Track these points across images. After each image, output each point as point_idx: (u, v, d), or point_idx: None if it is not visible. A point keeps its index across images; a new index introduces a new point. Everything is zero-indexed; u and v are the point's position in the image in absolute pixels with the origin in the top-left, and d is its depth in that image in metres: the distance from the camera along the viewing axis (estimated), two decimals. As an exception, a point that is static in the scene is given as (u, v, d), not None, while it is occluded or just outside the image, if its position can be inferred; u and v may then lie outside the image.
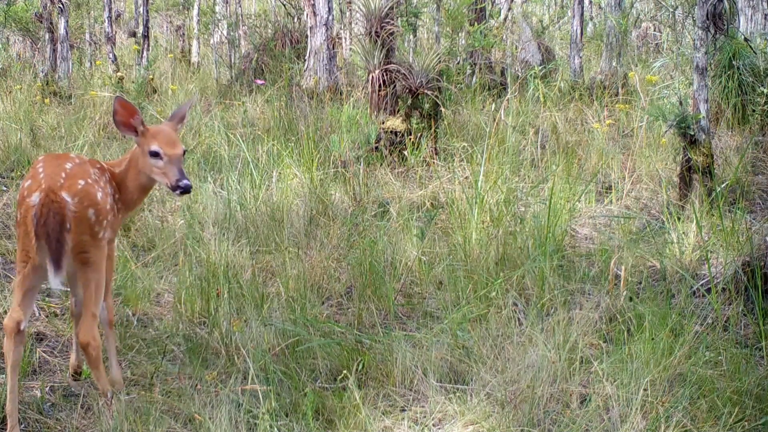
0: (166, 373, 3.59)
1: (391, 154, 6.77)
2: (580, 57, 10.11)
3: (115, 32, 13.20)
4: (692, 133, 5.50)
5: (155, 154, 3.31)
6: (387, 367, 3.49)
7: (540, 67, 8.64)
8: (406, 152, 6.72)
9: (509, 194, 5.37)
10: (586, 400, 3.23)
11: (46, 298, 4.37)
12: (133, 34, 15.43)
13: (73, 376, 3.59)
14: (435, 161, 6.64)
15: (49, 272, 2.93)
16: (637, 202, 5.96)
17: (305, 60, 10.37)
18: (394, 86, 6.97)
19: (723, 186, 5.39)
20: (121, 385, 3.45)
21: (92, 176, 3.18)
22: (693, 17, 6.49)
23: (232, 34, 12.72)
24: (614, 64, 9.63)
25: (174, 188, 3.29)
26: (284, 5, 14.23)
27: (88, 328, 3.11)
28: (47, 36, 10.59)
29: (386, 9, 6.95)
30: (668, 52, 11.47)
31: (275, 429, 3.03)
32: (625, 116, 7.67)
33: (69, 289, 3.49)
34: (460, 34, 9.11)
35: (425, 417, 3.21)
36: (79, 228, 3.05)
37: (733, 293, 4.07)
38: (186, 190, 3.29)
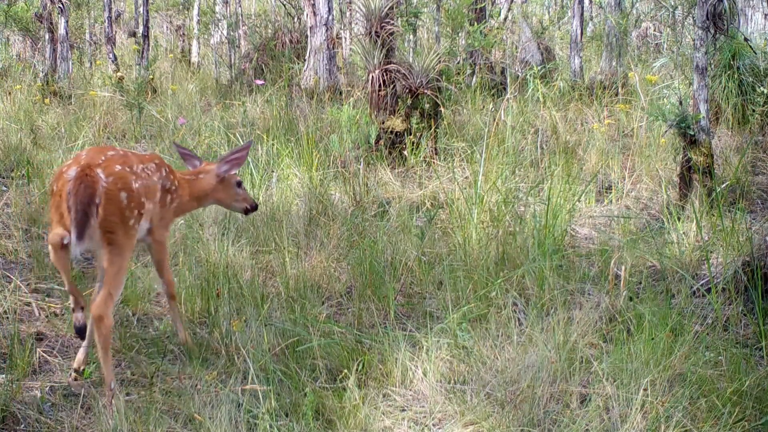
0: (166, 373, 3.59)
1: (391, 154, 6.77)
2: (580, 57, 10.11)
3: (115, 32, 13.20)
4: (692, 133, 5.50)
5: (239, 184, 4.05)
6: (387, 367, 3.49)
7: (540, 67, 8.64)
8: (406, 152, 6.72)
9: (509, 194, 5.37)
10: (586, 400, 3.23)
11: (46, 298, 4.37)
12: (133, 34, 15.43)
13: (74, 374, 3.59)
14: (435, 161, 6.64)
15: (72, 240, 3.11)
16: (637, 202, 5.96)
17: (305, 60, 10.37)
18: (394, 86, 6.97)
19: (723, 186, 5.39)
20: (191, 344, 3.74)
21: (133, 167, 3.38)
22: (693, 17, 6.48)
23: (232, 34, 12.71)
24: (614, 64, 9.63)
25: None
26: (284, 5, 14.23)
27: (101, 303, 3.23)
28: (47, 36, 10.58)
29: (386, 9, 6.95)
30: (668, 52, 11.47)
31: (275, 429, 3.03)
32: (625, 116, 7.67)
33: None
34: (460, 34, 9.11)
35: (425, 417, 3.21)
36: (109, 206, 3.22)
37: (733, 293, 4.07)
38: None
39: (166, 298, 3.87)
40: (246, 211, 4.13)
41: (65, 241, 3.20)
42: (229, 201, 4.05)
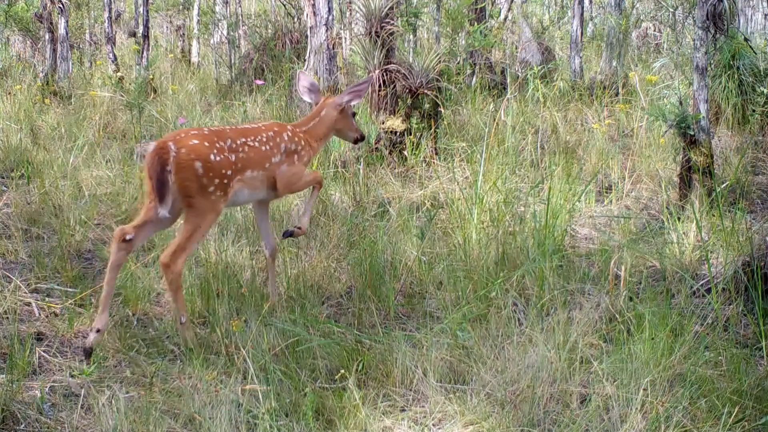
0: (166, 373, 3.59)
1: (391, 154, 6.77)
2: (580, 57, 10.11)
3: (115, 32, 13.19)
4: (692, 133, 5.50)
5: (354, 114, 4.52)
6: (387, 367, 3.49)
7: (540, 67, 8.64)
8: (406, 152, 6.72)
9: (509, 194, 5.37)
10: (586, 400, 3.23)
11: (46, 298, 4.37)
12: (133, 34, 15.41)
13: (87, 349, 3.68)
14: (435, 161, 6.64)
15: (156, 203, 3.68)
16: (637, 202, 5.96)
17: (305, 60, 10.35)
18: (394, 86, 6.96)
19: (723, 186, 5.39)
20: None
21: (216, 142, 3.82)
22: (693, 17, 6.49)
23: (232, 34, 12.71)
24: (614, 64, 9.63)
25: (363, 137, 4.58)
26: (284, 5, 14.22)
27: (170, 252, 3.70)
28: (47, 36, 10.58)
29: (386, 9, 6.95)
30: (668, 52, 11.46)
31: (275, 429, 3.03)
32: (625, 116, 7.67)
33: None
34: (460, 34, 9.11)
35: (425, 417, 3.21)
36: (182, 174, 3.70)
37: (733, 293, 4.07)
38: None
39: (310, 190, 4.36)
40: (356, 141, 4.57)
41: (128, 237, 3.70)
42: (346, 131, 4.49)
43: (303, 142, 4.25)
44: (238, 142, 3.95)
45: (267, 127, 4.16)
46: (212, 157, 3.79)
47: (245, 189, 4.00)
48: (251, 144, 4.01)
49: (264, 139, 4.07)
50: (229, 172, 3.85)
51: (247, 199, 4.12)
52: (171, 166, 3.70)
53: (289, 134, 4.20)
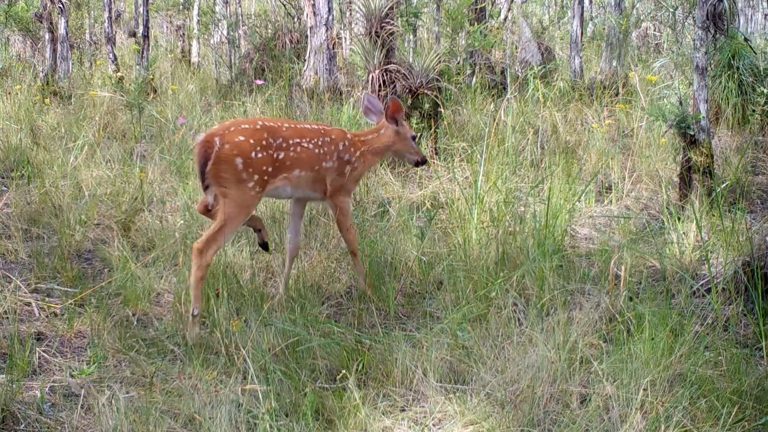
0: (166, 373, 3.59)
1: (391, 154, 6.76)
2: (580, 57, 10.11)
3: (115, 32, 13.19)
4: (692, 133, 5.50)
5: (414, 138, 4.58)
6: (387, 367, 3.49)
7: (540, 67, 8.64)
8: (406, 152, 6.71)
9: (509, 194, 5.37)
10: (586, 400, 3.23)
11: (46, 298, 4.37)
12: (133, 34, 15.41)
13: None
14: (435, 161, 6.64)
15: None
16: (637, 202, 5.96)
17: (305, 60, 10.36)
18: (394, 86, 6.96)
19: (723, 186, 5.39)
20: (369, 293, 4.27)
21: (264, 139, 3.96)
22: (693, 17, 6.49)
23: (232, 34, 12.71)
24: (614, 64, 9.63)
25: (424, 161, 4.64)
26: (284, 5, 14.22)
27: (203, 241, 3.86)
28: (47, 36, 10.58)
29: (386, 9, 6.95)
30: (668, 52, 11.47)
31: (275, 429, 3.03)
32: (625, 116, 7.67)
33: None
34: (460, 34, 9.11)
35: (425, 417, 3.21)
36: (220, 166, 3.86)
37: (733, 293, 4.07)
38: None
39: (349, 255, 4.44)
40: (417, 164, 4.65)
41: (210, 207, 3.97)
42: (404, 152, 4.58)
43: (358, 153, 4.35)
44: (291, 141, 4.07)
45: (326, 132, 4.27)
46: (253, 154, 3.92)
47: (288, 186, 4.15)
48: (305, 145, 4.12)
49: (320, 143, 4.18)
50: (270, 169, 3.98)
51: (289, 195, 4.26)
52: (212, 159, 3.86)
53: (346, 143, 4.30)
